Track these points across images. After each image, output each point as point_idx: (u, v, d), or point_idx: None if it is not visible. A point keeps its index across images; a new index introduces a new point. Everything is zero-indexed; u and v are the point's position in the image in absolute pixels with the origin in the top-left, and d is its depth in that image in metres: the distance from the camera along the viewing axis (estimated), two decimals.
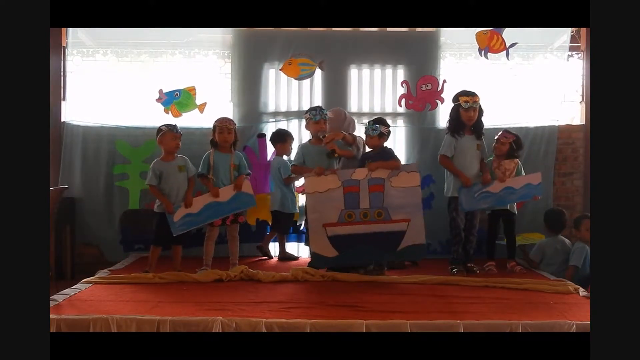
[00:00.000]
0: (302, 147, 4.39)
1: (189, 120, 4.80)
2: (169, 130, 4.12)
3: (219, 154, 4.18)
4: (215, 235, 4.21)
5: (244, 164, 4.28)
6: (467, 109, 4.19)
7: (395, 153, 4.26)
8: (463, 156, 4.23)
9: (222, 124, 4.19)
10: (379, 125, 4.08)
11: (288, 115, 5.16)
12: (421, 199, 4.03)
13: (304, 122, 5.02)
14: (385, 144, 4.19)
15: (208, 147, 4.25)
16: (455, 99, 4.29)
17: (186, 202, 4.05)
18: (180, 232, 4.03)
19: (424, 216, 4.84)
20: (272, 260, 4.81)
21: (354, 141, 4.28)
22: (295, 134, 5.04)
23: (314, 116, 4.23)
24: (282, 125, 5.12)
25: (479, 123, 4.28)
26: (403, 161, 4.51)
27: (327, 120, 4.27)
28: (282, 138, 4.84)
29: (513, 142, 4.38)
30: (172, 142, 4.13)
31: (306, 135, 4.90)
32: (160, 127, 4.19)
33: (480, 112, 4.27)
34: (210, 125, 4.27)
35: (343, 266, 4.01)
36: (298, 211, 4.83)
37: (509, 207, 4.38)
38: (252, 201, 4.22)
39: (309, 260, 4.34)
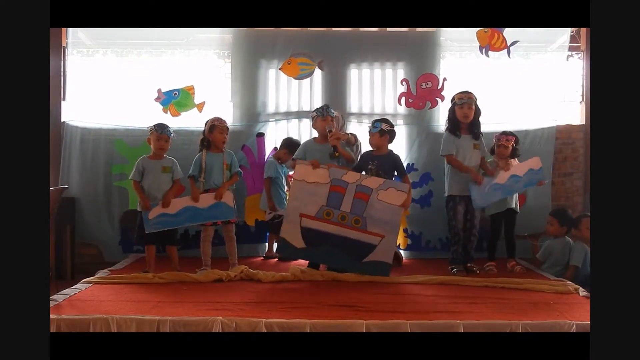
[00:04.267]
0: (306, 144, 4.37)
1: (188, 120, 4.81)
2: (154, 131, 4.14)
3: (212, 155, 4.15)
4: (211, 235, 4.19)
5: (235, 162, 4.27)
6: (461, 105, 4.19)
7: (396, 152, 4.28)
8: (462, 156, 4.22)
9: (222, 124, 4.19)
10: (379, 122, 4.09)
11: (288, 115, 5.15)
12: (399, 219, 4.02)
13: (303, 122, 5.08)
14: (390, 147, 4.21)
15: None
16: (452, 100, 4.31)
17: (163, 202, 4.04)
18: (153, 230, 4.00)
19: (423, 213, 4.92)
20: (273, 260, 4.80)
21: (355, 142, 4.29)
22: (295, 134, 5.05)
23: (321, 113, 4.23)
24: (282, 124, 5.13)
25: (476, 122, 4.27)
26: (402, 159, 4.49)
27: (334, 117, 4.27)
28: (291, 147, 4.75)
29: (514, 141, 4.40)
30: (156, 143, 4.14)
31: (305, 137, 4.90)
32: (150, 126, 4.21)
33: (478, 111, 4.27)
34: None
35: (307, 260, 4.06)
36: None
37: (513, 206, 4.39)
38: (231, 214, 4.15)
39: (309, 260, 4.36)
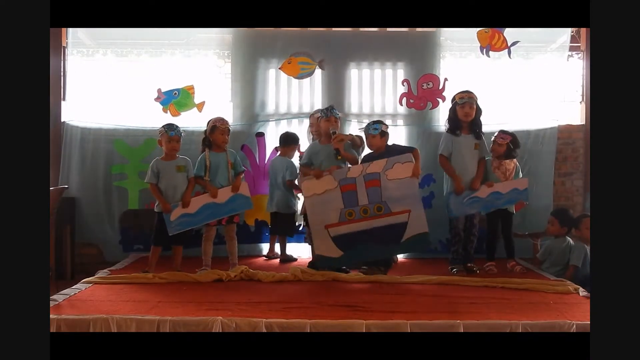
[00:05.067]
0: (311, 147, 4.35)
1: (188, 120, 4.81)
2: (165, 132, 4.12)
3: (215, 154, 4.15)
4: (213, 235, 4.19)
5: (238, 161, 4.27)
6: (462, 104, 4.20)
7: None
8: (461, 155, 4.23)
9: (224, 125, 4.18)
10: (379, 124, 4.08)
11: (288, 115, 5.15)
12: (418, 189, 4.04)
13: (303, 122, 5.07)
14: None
15: None
16: (452, 100, 4.32)
17: (183, 202, 4.03)
18: (176, 231, 4.00)
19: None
20: (273, 260, 4.80)
21: (361, 144, 4.28)
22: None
23: (325, 114, 4.19)
24: (282, 125, 5.12)
25: (476, 122, 4.27)
26: None
27: (339, 118, 4.25)
28: (290, 141, 4.79)
29: (510, 142, 4.38)
30: (168, 144, 4.12)
31: (304, 137, 4.90)
32: (159, 128, 4.19)
33: (479, 111, 4.27)
34: None
35: (348, 265, 4.04)
36: (298, 212, 4.80)
37: (507, 207, 4.39)
38: (249, 203, 4.19)
39: (309, 260, 4.35)
